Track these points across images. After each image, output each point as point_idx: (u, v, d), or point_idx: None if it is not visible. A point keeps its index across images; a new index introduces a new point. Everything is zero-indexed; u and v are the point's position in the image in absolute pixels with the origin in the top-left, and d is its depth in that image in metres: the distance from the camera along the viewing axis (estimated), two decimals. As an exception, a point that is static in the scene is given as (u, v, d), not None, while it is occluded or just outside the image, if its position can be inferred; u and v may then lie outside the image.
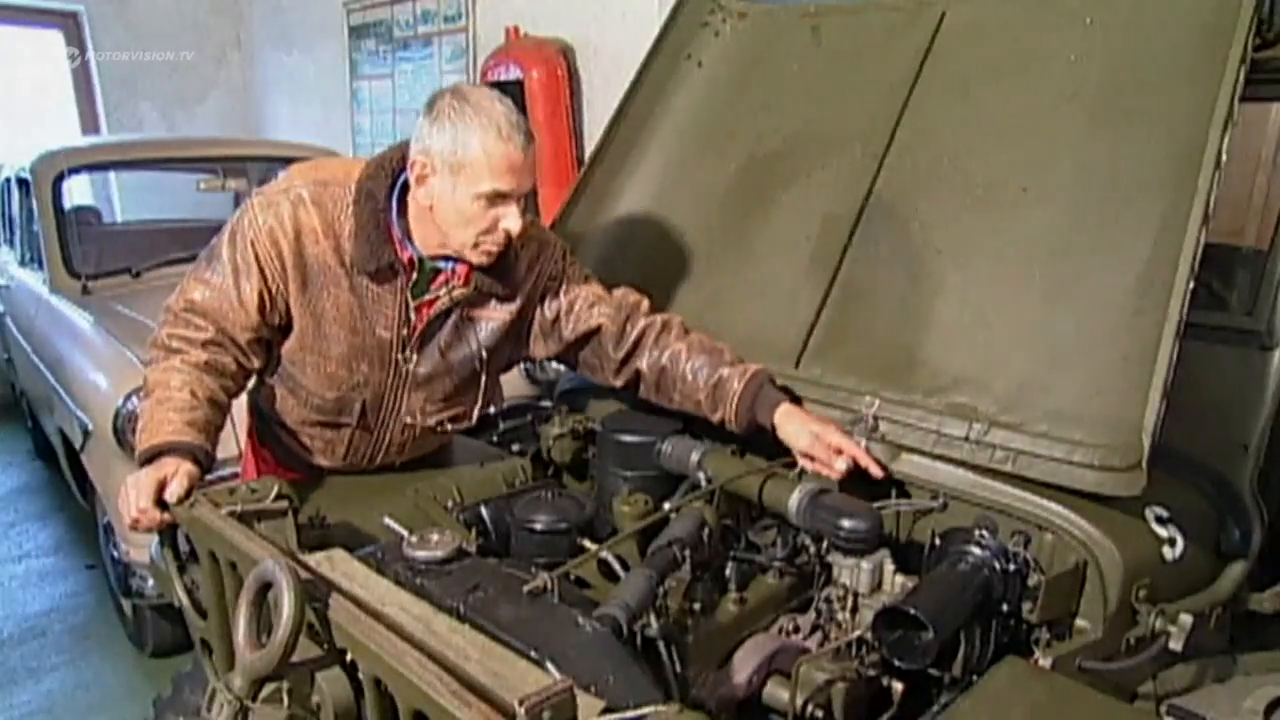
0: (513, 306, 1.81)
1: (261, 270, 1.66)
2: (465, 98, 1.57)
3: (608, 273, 2.15)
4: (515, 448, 2.15)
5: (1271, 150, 3.12)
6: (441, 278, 1.73)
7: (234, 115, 6.83)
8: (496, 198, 1.58)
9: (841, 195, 1.89)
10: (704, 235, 2.10)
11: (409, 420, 1.84)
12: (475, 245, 1.63)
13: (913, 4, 1.99)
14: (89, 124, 6.42)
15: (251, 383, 1.88)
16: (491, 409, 2.00)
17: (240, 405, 1.84)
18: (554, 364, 2.26)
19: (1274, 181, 3.08)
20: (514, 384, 3.31)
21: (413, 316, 1.73)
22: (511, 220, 1.60)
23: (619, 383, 1.89)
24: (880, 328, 1.75)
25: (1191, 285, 1.38)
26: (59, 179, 3.96)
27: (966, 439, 1.53)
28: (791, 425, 1.67)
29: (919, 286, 1.73)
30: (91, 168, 4.63)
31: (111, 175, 5.90)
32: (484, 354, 1.82)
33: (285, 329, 1.75)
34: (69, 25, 6.28)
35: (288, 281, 1.67)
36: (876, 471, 1.60)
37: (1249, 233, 2.89)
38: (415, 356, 1.77)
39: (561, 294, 1.85)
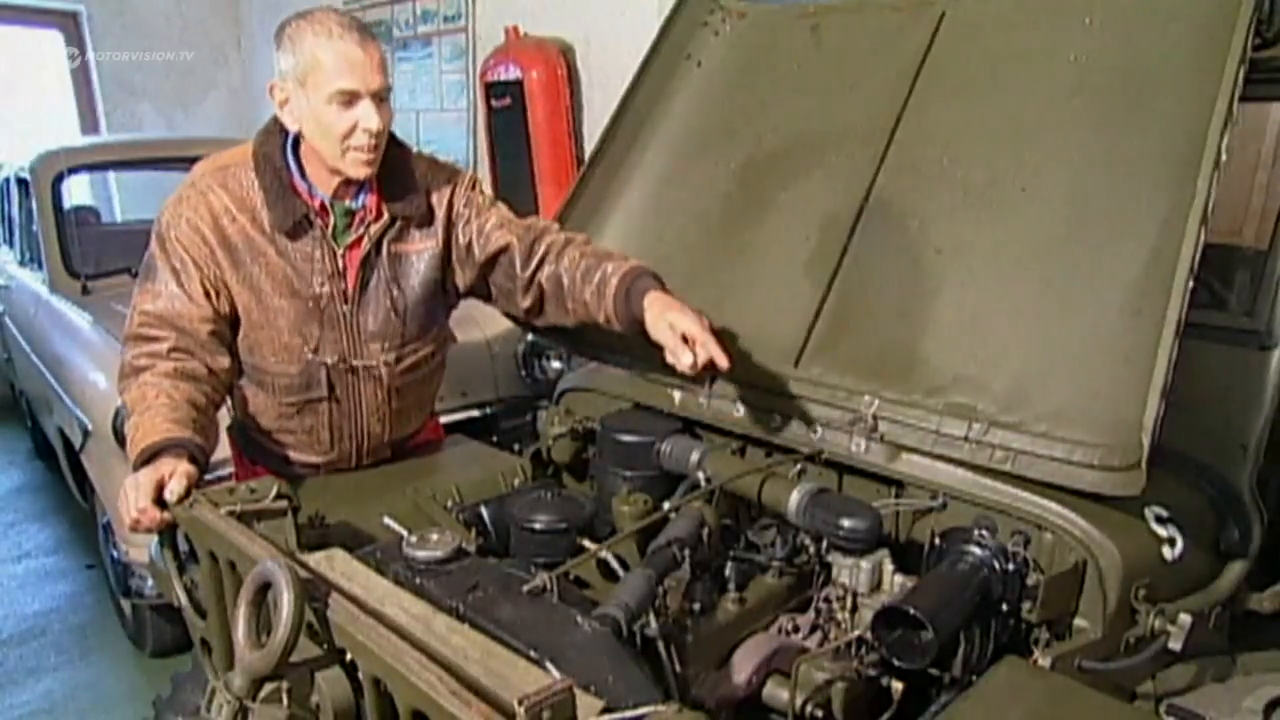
0: (436, 236, 1.85)
1: (195, 261, 1.71)
2: (303, 16, 1.64)
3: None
4: (515, 447, 2.15)
5: (1271, 150, 3.12)
6: (357, 218, 1.77)
7: (233, 115, 6.83)
8: (346, 98, 1.61)
9: (841, 195, 1.89)
10: (703, 235, 2.10)
11: (373, 376, 1.85)
12: (344, 153, 1.66)
13: (912, 4, 1.99)
14: (88, 124, 6.42)
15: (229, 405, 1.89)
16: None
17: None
18: (554, 364, 2.26)
19: (1273, 181, 3.08)
20: (514, 384, 3.32)
21: (342, 264, 1.76)
22: (368, 119, 1.63)
23: (527, 303, 1.88)
24: (880, 327, 1.75)
25: (1191, 285, 1.38)
26: (58, 179, 3.97)
27: (966, 439, 1.53)
28: (653, 312, 1.63)
29: (918, 286, 1.73)
30: (91, 167, 4.64)
31: (111, 175, 5.91)
32: (424, 288, 1.85)
33: (235, 321, 1.78)
34: (68, 25, 6.28)
35: (220, 265, 1.73)
36: (723, 362, 1.56)
37: (1248, 233, 2.89)
38: (358, 306, 1.80)
39: (474, 218, 1.87)
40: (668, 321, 1.59)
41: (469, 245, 1.87)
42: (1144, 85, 1.62)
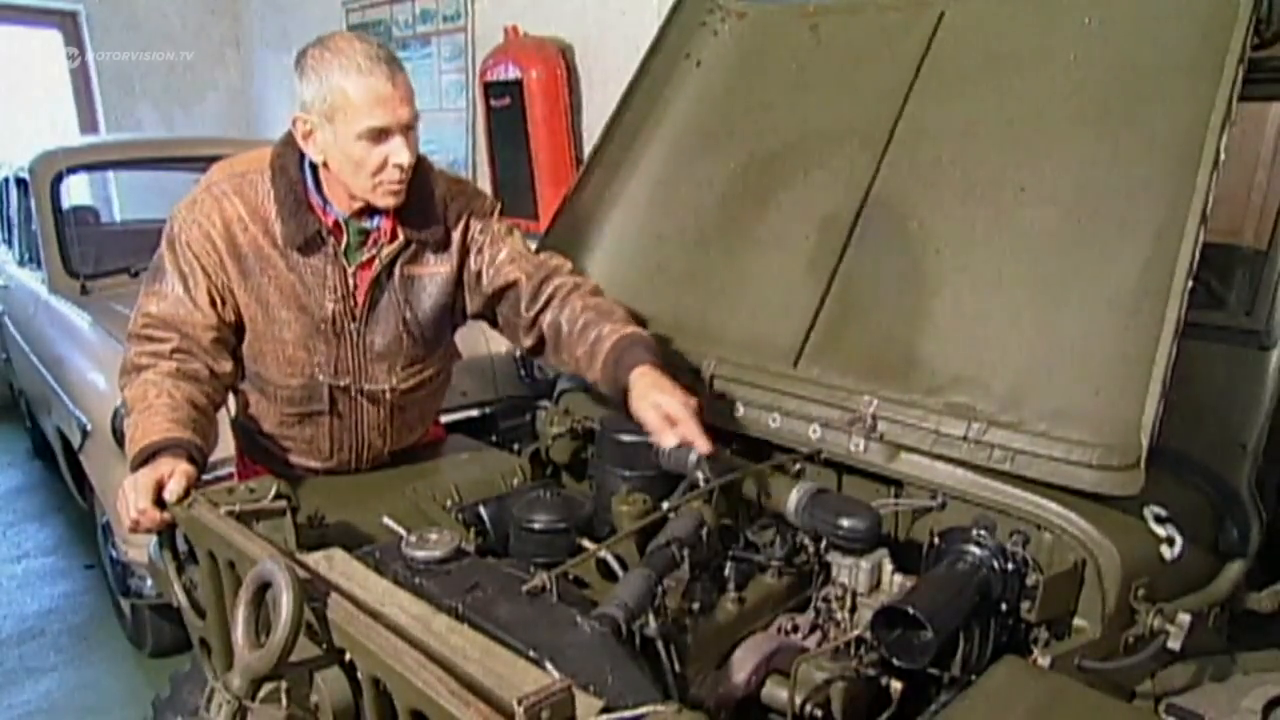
0: (450, 260, 1.82)
1: (204, 269, 1.70)
2: (325, 45, 1.59)
3: (606, 272, 2.16)
4: (514, 447, 2.15)
5: (1270, 149, 3.12)
6: (371, 238, 1.75)
7: (232, 115, 6.83)
8: (376, 134, 1.58)
9: (840, 195, 1.89)
10: (702, 235, 2.10)
11: (377, 395, 1.84)
12: (375, 188, 1.64)
13: (912, 3, 1.99)
14: (87, 123, 6.42)
15: (233, 404, 1.88)
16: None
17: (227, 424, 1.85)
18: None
19: (1272, 181, 3.08)
20: (513, 383, 3.32)
21: (352, 282, 1.74)
22: (399, 154, 1.61)
23: (529, 343, 1.88)
24: (879, 327, 1.75)
25: (1190, 285, 1.38)
26: (57, 178, 3.97)
27: (965, 438, 1.53)
28: (638, 389, 1.60)
29: (917, 286, 1.73)
30: (90, 167, 4.64)
31: (110, 175, 5.90)
32: (435, 310, 1.83)
33: (241, 328, 1.77)
34: (67, 25, 6.28)
35: (228, 273, 1.71)
36: (704, 447, 1.53)
37: (1247, 232, 2.89)
38: (366, 326, 1.78)
39: (486, 248, 1.84)
40: (651, 401, 1.56)
41: (479, 274, 1.85)
42: (1143, 85, 1.62)
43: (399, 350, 1.82)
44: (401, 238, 1.75)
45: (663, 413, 1.55)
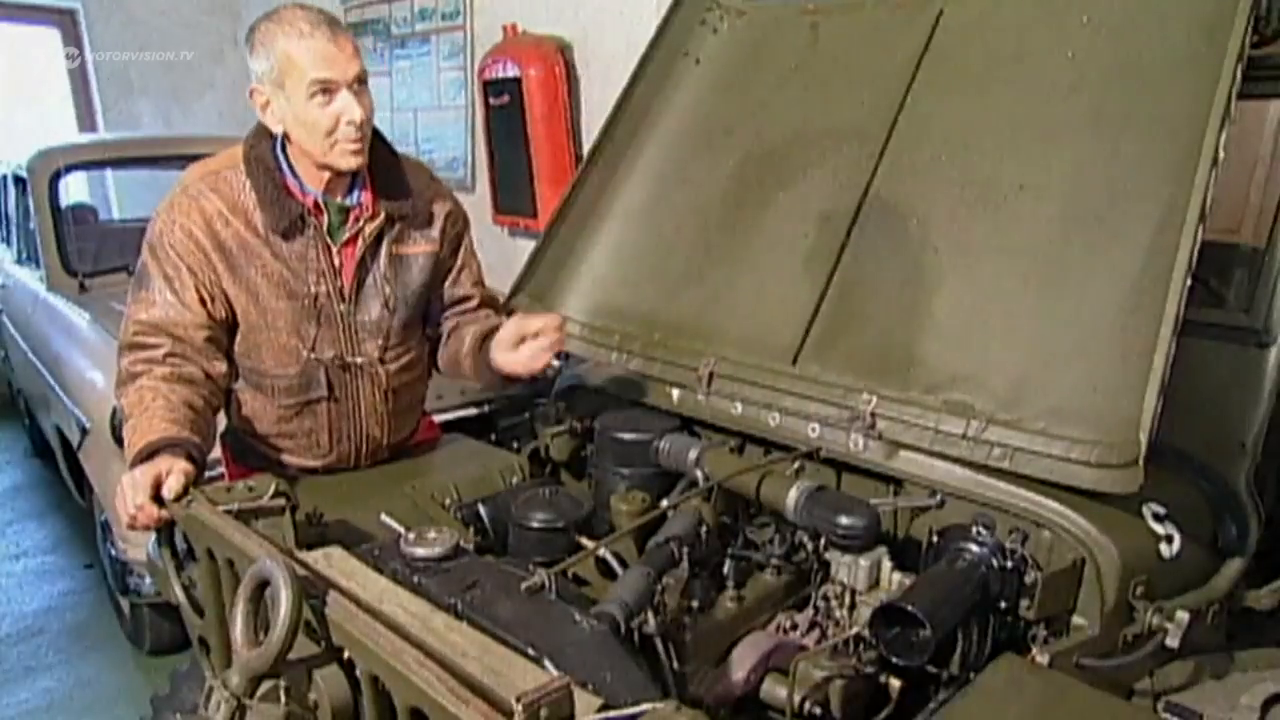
0: (434, 242, 1.90)
1: (190, 268, 1.71)
2: (270, 18, 1.65)
3: (605, 270, 2.16)
4: (513, 445, 2.15)
5: (1269, 148, 3.11)
6: (352, 215, 1.78)
7: (231, 113, 6.81)
8: (323, 92, 1.63)
9: (839, 193, 1.89)
10: (701, 233, 2.10)
11: (371, 370, 1.86)
12: (332, 148, 1.68)
13: (910, 2, 1.99)
14: (86, 121, 6.41)
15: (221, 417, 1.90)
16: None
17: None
18: (553, 361, 2.26)
19: (1271, 179, 3.07)
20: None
21: (338, 261, 1.78)
22: (350, 111, 1.65)
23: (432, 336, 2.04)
24: (878, 325, 1.75)
25: (1189, 282, 1.38)
26: (55, 176, 3.96)
27: (964, 436, 1.53)
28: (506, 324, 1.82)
29: (916, 284, 1.73)
30: (88, 165, 4.63)
31: (108, 173, 5.89)
32: (422, 288, 1.90)
33: (232, 327, 1.78)
34: (66, 23, 6.27)
35: (216, 269, 1.72)
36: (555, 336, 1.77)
37: (1246, 230, 2.89)
38: (355, 305, 1.82)
39: (461, 254, 1.98)
40: (515, 320, 1.80)
41: (445, 273, 1.96)
42: (1142, 83, 1.62)
43: (386, 328, 1.86)
44: (383, 213, 1.79)
45: (526, 329, 1.77)
